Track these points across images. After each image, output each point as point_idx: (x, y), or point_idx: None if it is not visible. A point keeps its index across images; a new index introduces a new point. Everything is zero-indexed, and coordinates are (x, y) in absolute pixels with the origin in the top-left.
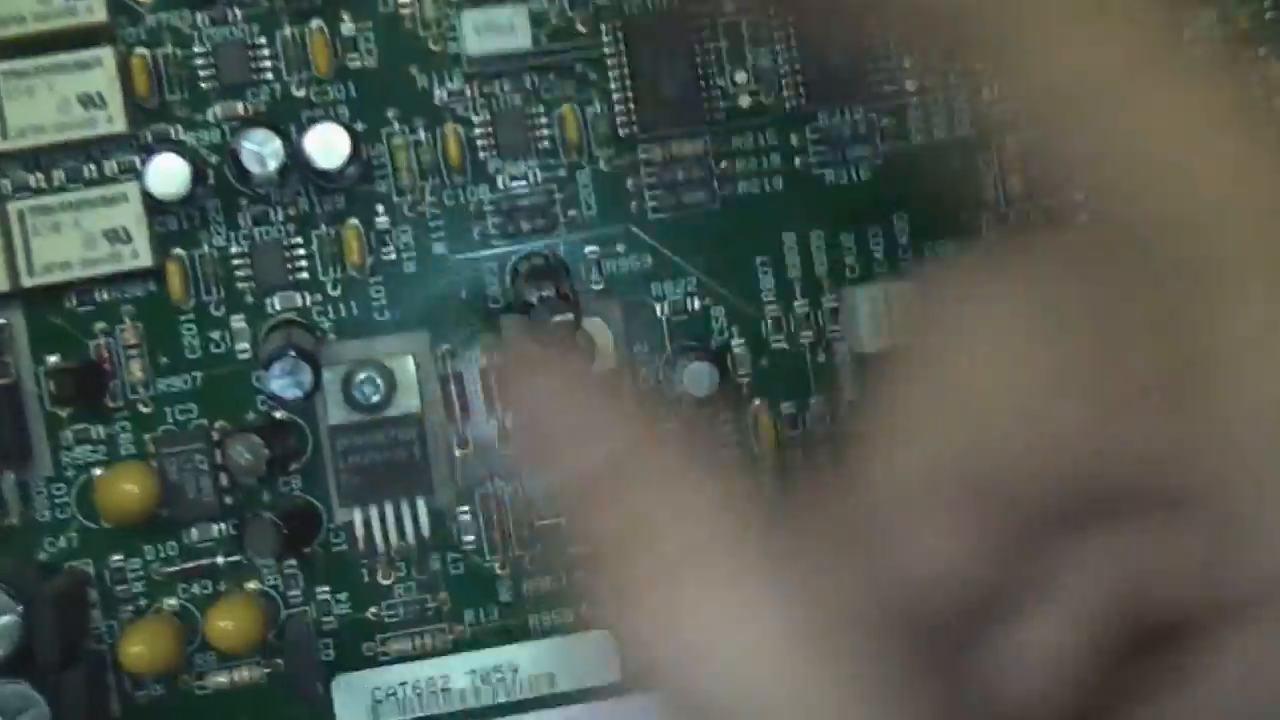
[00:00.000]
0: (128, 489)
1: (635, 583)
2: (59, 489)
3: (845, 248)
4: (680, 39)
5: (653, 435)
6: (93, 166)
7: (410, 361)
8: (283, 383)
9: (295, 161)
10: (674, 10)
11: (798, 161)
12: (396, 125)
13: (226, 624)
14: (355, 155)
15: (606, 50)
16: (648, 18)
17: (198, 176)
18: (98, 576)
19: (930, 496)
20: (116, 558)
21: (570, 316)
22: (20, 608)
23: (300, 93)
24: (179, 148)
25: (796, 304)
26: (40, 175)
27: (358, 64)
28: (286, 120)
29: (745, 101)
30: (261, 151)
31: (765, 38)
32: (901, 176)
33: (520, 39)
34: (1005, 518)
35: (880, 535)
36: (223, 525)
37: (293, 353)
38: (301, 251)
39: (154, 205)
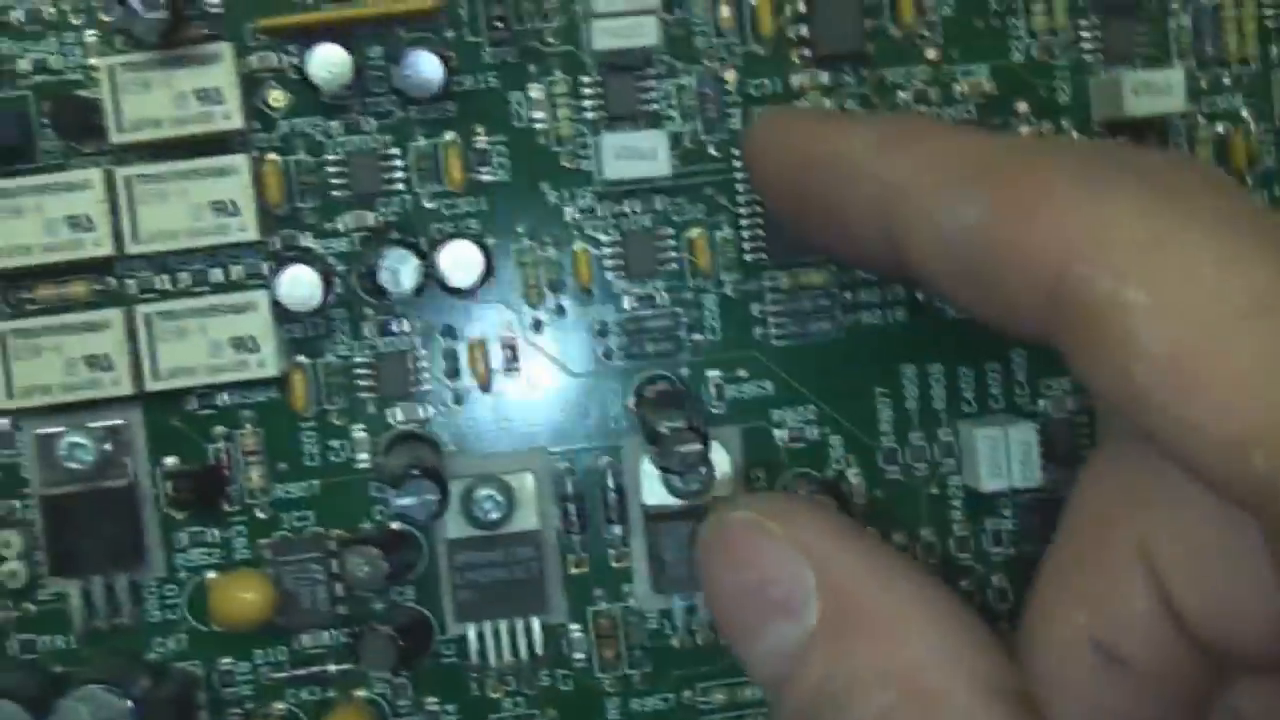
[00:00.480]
0: (247, 597)
1: None
2: (171, 590)
3: (963, 382)
4: None
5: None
6: (220, 271)
7: (530, 479)
8: (411, 502)
9: (429, 277)
10: None
11: (920, 294)
12: (526, 241)
13: None
14: (488, 272)
15: (737, 175)
16: None
17: (326, 286)
18: (206, 679)
19: None
20: (226, 660)
21: (699, 448)
22: (130, 705)
23: (431, 205)
24: (309, 256)
25: (912, 436)
26: (167, 278)
27: (489, 178)
28: (415, 231)
29: None
30: (399, 270)
31: None
32: None
33: (661, 166)
34: None
35: None
36: (335, 632)
37: (419, 473)
38: (425, 364)
39: (283, 314)
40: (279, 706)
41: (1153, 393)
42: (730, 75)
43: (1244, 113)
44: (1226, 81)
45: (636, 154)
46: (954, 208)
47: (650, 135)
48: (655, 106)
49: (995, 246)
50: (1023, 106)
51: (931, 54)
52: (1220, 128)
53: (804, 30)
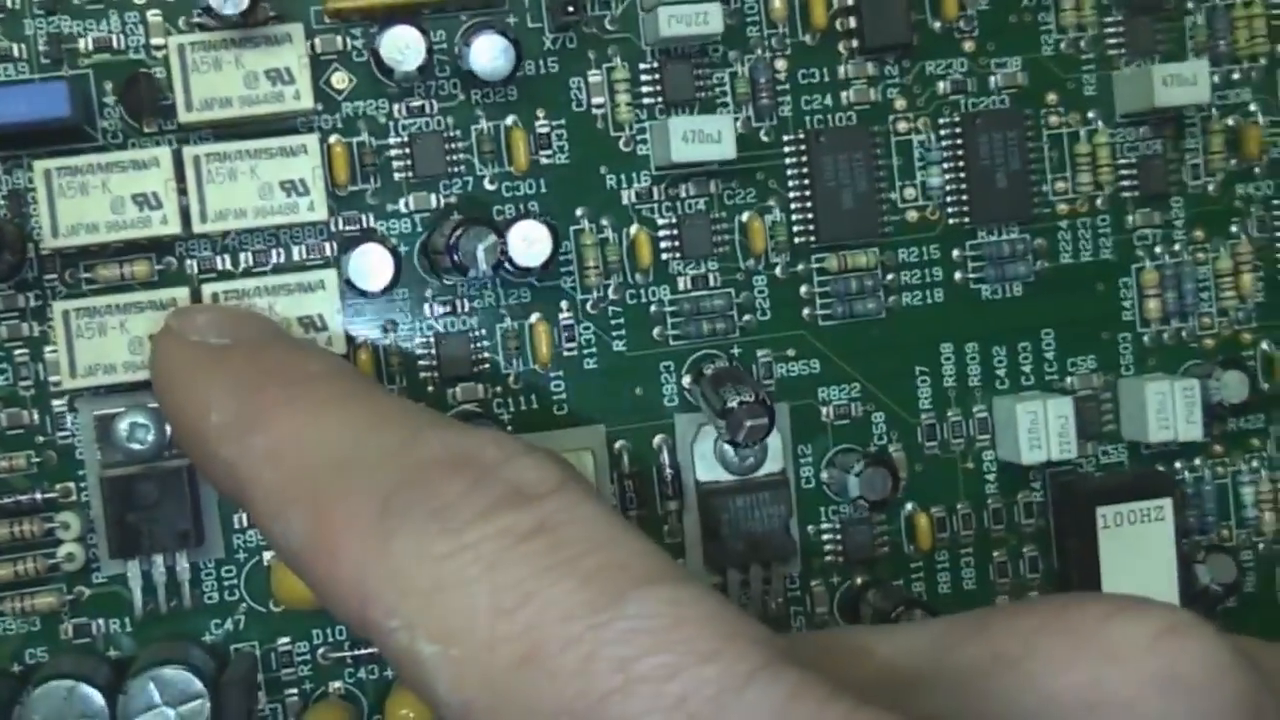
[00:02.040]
0: None
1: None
2: (229, 571)
3: (997, 360)
4: (860, 152)
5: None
6: (280, 252)
7: (590, 458)
8: None
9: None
10: (854, 125)
11: (958, 276)
12: (585, 223)
13: (407, 713)
14: (555, 253)
15: (787, 161)
16: (831, 131)
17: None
18: (263, 659)
19: None
20: (284, 640)
21: (765, 421)
22: (201, 685)
23: (492, 186)
24: (375, 237)
25: (950, 412)
26: (228, 258)
27: (549, 160)
28: (477, 213)
29: (913, 216)
30: (479, 249)
31: (935, 157)
32: (1049, 295)
33: (726, 149)
34: None
35: None
36: None
37: None
38: (486, 344)
39: (349, 294)
40: (336, 685)
41: None
42: (781, 64)
43: (1253, 106)
44: (1236, 76)
45: (703, 137)
46: (282, 525)
47: (717, 120)
48: (712, 93)
49: (311, 578)
50: (1052, 97)
51: (969, 46)
52: (1231, 120)
53: (852, 22)
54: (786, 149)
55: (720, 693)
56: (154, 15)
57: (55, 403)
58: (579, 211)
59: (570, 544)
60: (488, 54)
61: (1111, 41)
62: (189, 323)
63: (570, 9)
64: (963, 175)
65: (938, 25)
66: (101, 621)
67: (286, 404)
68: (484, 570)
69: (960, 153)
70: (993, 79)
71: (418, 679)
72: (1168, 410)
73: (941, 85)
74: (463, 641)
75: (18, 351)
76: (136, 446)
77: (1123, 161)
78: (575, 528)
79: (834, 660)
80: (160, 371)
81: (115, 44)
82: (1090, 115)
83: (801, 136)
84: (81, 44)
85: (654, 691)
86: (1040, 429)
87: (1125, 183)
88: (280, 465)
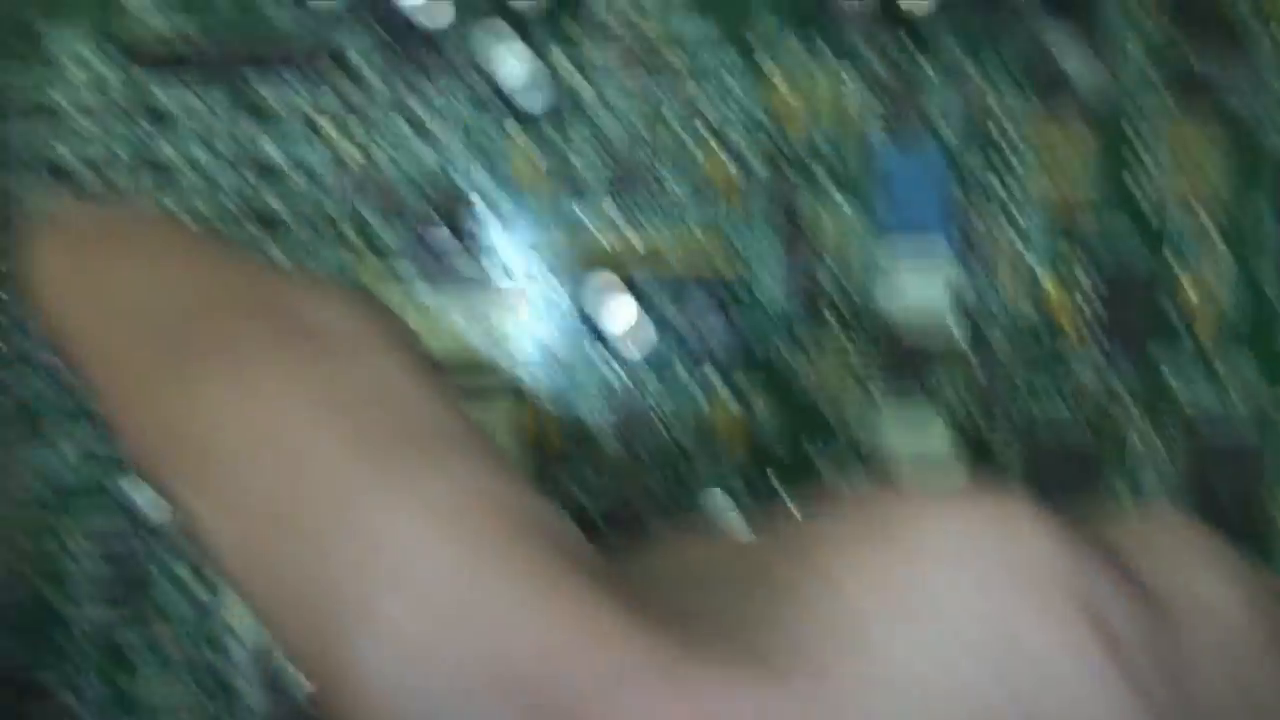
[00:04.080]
0: None
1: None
2: None
3: None
4: None
5: None
6: None
7: None
8: None
9: None
10: None
11: None
12: None
13: None
14: None
15: None
16: None
17: None
18: None
19: None
20: None
21: None
22: None
23: None
24: None
25: None
26: None
27: None
28: None
29: None
30: None
31: None
32: None
33: None
34: None
35: None
36: None
37: None
38: None
39: None
40: None
41: None
42: None
43: None
44: None
45: None
46: (88, 383)
47: None
48: None
49: (112, 428)
50: None
51: None
52: None
53: None
54: None
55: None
56: None
57: None
58: None
59: (353, 393)
60: None
61: None
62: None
63: None
64: None
65: None
66: None
67: (106, 259)
68: (259, 418)
69: None
70: None
71: (201, 542)
72: None
73: None
74: (229, 498)
75: None
76: None
77: None
78: (364, 376)
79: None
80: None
81: None
82: None
83: None
84: None
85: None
86: None
87: None
88: (93, 322)
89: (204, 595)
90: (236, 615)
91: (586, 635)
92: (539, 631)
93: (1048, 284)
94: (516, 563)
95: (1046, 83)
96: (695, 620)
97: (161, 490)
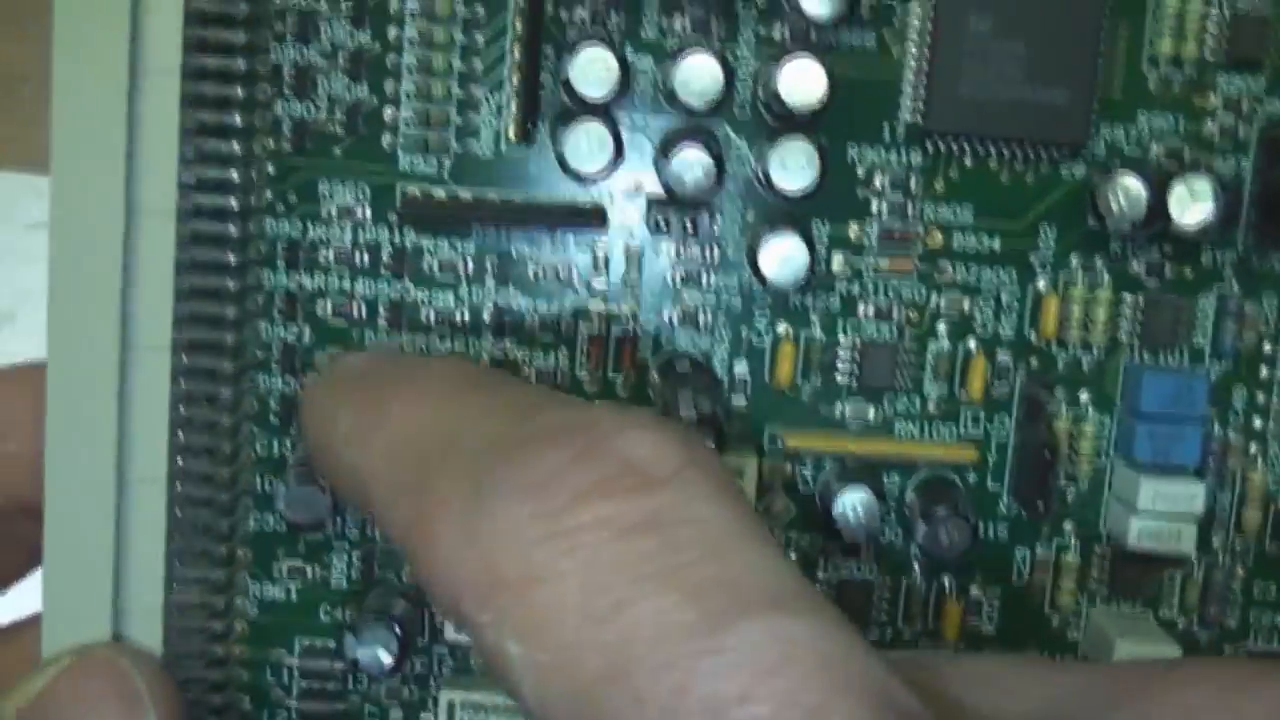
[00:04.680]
0: None
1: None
2: None
3: None
4: None
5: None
6: None
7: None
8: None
9: None
10: None
11: None
12: None
13: None
14: None
15: None
16: None
17: None
18: None
19: None
20: None
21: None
22: None
23: None
24: None
25: None
26: None
27: None
28: None
29: None
30: None
31: None
32: None
33: None
34: None
35: None
36: None
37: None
38: None
39: None
40: None
41: None
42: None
43: None
44: None
45: None
46: (391, 516)
47: None
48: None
49: (414, 564)
50: None
51: None
52: None
53: None
54: None
55: None
56: None
57: None
58: None
59: (680, 548)
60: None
61: None
62: (333, 365)
63: None
64: None
65: None
66: None
67: (404, 401)
68: (579, 565)
69: None
70: None
71: (505, 680)
72: None
73: None
74: (549, 645)
75: None
76: None
77: None
78: (689, 529)
79: (946, 703)
80: (303, 406)
81: None
82: None
83: None
84: None
85: None
86: None
87: None
88: (395, 457)
89: None
90: None
91: None
92: None
93: None
94: None
95: None
96: None
97: (460, 619)
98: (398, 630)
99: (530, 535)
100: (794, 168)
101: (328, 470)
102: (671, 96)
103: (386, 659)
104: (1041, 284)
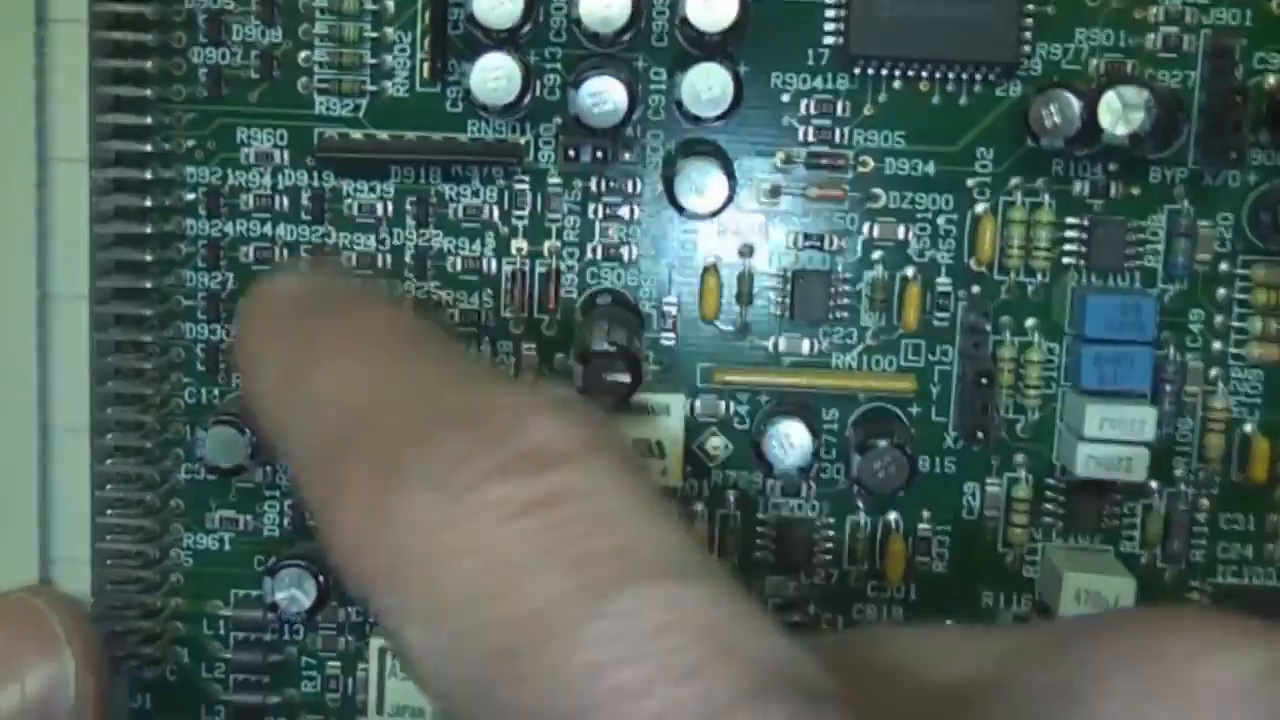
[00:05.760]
0: None
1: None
2: None
3: None
4: None
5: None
6: None
7: None
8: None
9: None
10: None
11: None
12: None
13: None
14: None
15: None
16: None
17: None
18: None
19: None
20: None
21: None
22: None
23: None
24: None
25: None
26: None
27: None
28: None
29: None
30: None
31: None
32: None
33: None
34: None
35: None
36: None
37: None
38: None
39: None
40: None
41: None
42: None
43: None
44: None
45: None
46: (301, 479)
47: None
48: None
49: (325, 543)
50: None
51: None
52: None
53: None
54: None
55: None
56: None
57: None
58: None
59: (573, 522)
60: None
61: None
62: (268, 290)
63: None
64: None
65: None
66: None
67: (329, 355)
68: (475, 546)
69: None
70: None
71: (411, 667)
72: None
73: None
74: (446, 628)
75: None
76: None
77: None
78: (584, 503)
79: (873, 672)
80: (235, 341)
81: None
82: None
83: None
84: None
85: (627, 709)
86: None
87: None
88: (313, 419)
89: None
90: None
91: None
92: None
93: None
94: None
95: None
96: None
97: (362, 589)
98: (318, 574)
99: (431, 520)
100: (706, 93)
101: (257, 414)
102: (579, 24)
103: (304, 601)
104: (980, 208)
